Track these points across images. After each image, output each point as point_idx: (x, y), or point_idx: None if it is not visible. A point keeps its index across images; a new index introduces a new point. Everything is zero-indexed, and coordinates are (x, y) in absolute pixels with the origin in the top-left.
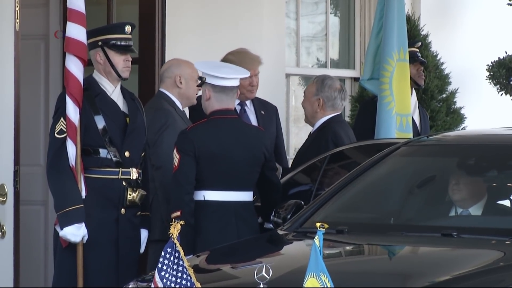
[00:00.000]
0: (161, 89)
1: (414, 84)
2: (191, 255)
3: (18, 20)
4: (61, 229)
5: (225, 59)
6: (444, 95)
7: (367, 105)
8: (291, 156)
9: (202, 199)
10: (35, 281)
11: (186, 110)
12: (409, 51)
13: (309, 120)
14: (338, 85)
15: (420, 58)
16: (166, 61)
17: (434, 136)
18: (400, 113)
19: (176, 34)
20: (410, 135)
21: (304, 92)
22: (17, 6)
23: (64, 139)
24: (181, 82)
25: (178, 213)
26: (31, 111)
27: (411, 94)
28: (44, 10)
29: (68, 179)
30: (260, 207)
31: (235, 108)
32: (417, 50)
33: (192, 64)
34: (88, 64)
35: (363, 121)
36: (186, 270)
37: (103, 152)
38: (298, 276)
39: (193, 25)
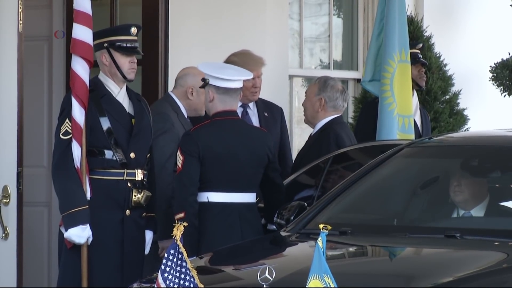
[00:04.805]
0: (171, 93)
1: (416, 85)
2: (195, 256)
3: (21, 22)
4: (66, 230)
5: (228, 61)
6: (447, 96)
7: (368, 107)
8: (293, 157)
9: (206, 200)
10: (39, 282)
11: None
12: (410, 52)
13: (309, 120)
14: (340, 86)
15: (421, 59)
16: (169, 62)
17: (437, 138)
18: (401, 114)
19: (179, 35)
20: (412, 136)
21: (305, 92)
22: (20, 8)
23: (70, 140)
24: (192, 93)
25: (181, 215)
26: (34, 112)
27: (412, 95)
28: (47, 11)
29: (73, 180)
30: (263, 208)
31: None
32: (419, 51)
33: None
34: (94, 66)
35: (365, 122)
36: (189, 271)
37: (108, 153)
38: (301, 278)
39: (196, 27)
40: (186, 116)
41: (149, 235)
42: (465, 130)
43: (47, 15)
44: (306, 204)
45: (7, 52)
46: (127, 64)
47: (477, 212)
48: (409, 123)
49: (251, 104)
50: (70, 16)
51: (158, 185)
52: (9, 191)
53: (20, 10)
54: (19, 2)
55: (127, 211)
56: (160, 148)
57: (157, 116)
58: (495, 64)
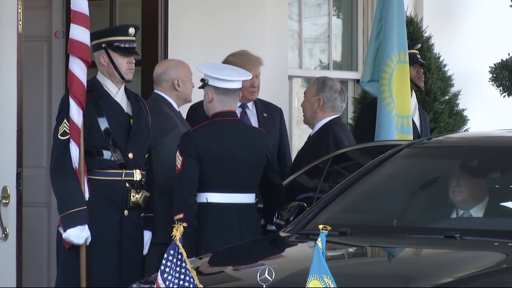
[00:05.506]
0: (157, 92)
1: (414, 86)
2: (194, 257)
3: (21, 22)
4: (64, 231)
5: (226, 61)
6: (447, 97)
7: (367, 107)
8: (293, 158)
9: (205, 201)
10: (38, 282)
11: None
12: (409, 53)
13: (308, 121)
14: (338, 87)
15: (420, 60)
16: None
17: (436, 138)
18: (400, 115)
19: (179, 36)
20: (411, 137)
21: (304, 93)
22: (20, 8)
23: (68, 140)
24: (179, 85)
25: (181, 215)
26: (34, 113)
27: (411, 96)
28: (46, 12)
29: (72, 181)
30: (262, 209)
31: None
32: (417, 52)
33: (186, 64)
34: (91, 66)
35: (364, 123)
36: (189, 272)
37: (106, 154)
38: (301, 278)
39: (196, 27)
40: (178, 111)
41: (147, 235)
42: (464, 131)
43: (47, 15)
44: (305, 204)
45: (7, 53)
46: (125, 64)
47: (477, 212)
48: (408, 123)
49: (250, 105)
50: (70, 16)
51: (167, 184)
52: (9, 192)
53: (19, 11)
54: (19, 2)
55: (126, 212)
56: (167, 147)
57: (159, 116)
58: (494, 64)
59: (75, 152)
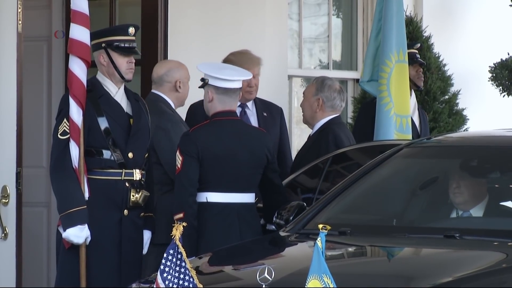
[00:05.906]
0: (156, 92)
1: (413, 85)
2: (194, 257)
3: (20, 22)
4: (64, 230)
5: (226, 60)
6: (447, 97)
7: (367, 107)
8: (293, 158)
9: (205, 201)
10: (38, 282)
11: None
12: (408, 53)
13: (307, 121)
14: (337, 86)
15: (419, 59)
16: None
17: (436, 138)
18: (399, 114)
19: (179, 36)
20: (410, 136)
21: (303, 93)
22: (20, 8)
23: (67, 140)
24: (180, 86)
25: (181, 215)
26: (33, 112)
27: (410, 95)
28: (46, 12)
29: (71, 181)
30: (262, 209)
31: None
32: (416, 51)
33: (184, 65)
34: (91, 65)
35: (363, 122)
36: (189, 271)
37: (106, 154)
38: (301, 278)
39: (196, 27)
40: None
41: (147, 235)
42: (464, 130)
43: (47, 15)
44: (305, 204)
45: (7, 53)
46: (125, 64)
47: (476, 212)
48: (407, 123)
49: (249, 104)
50: (70, 16)
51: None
52: (9, 191)
53: (19, 11)
54: (19, 2)
55: (125, 211)
56: (175, 146)
57: (162, 116)
58: (494, 64)
59: (75, 151)
